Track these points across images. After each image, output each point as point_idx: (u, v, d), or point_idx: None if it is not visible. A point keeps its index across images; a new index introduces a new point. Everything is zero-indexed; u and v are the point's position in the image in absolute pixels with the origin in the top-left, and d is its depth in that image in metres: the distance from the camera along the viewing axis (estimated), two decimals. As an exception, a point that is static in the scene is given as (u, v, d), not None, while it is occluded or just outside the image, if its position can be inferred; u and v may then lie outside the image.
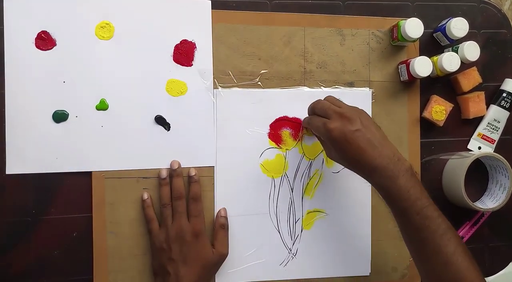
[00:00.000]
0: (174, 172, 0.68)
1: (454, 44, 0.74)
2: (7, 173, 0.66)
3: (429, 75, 0.72)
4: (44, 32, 0.66)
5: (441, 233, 0.55)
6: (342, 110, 0.59)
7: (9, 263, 0.66)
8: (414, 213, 0.56)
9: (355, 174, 0.59)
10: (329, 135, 0.58)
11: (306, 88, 0.73)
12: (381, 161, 0.56)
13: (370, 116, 0.61)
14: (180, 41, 0.69)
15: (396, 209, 0.58)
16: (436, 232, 0.55)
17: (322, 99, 0.65)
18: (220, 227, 0.69)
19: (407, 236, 0.59)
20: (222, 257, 0.68)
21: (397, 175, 0.56)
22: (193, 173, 0.68)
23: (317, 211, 0.73)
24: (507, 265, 0.80)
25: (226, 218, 0.70)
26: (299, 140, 0.72)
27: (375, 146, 0.57)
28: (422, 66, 0.69)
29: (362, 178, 0.60)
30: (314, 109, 0.64)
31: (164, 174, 0.68)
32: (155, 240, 0.66)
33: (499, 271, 0.80)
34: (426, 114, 0.74)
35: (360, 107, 0.62)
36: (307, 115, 0.67)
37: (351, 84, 0.74)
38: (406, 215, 0.56)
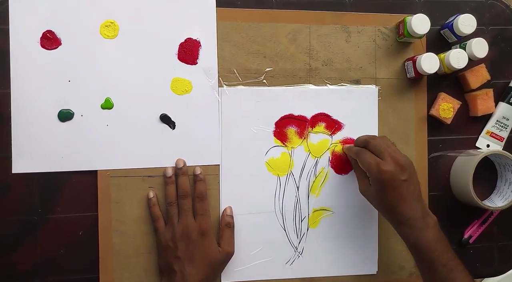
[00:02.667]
0: (179, 171, 0.68)
1: (461, 41, 0.73)
2: (13, 172, 0.66)
3: (436, 73, 0.71)
4: (49, 31, 0.66)
5: None
6: (397, 156, 0.61)
7: (16, 261, 0.66)
8: (441, 265, 0.58)
9: None
10: (379, 176, 0.60)
11: (311, 86, 0.72)
12: (414, 213, 0.60)
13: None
14: (185, 40, 0.69)
15: (423, 261, 0.60)
16: None
17: (377, 136, 0.68)
18: (226, 225, 0.69)
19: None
20: (228, 255, 0.68)
21: (426, 227, 0.60)
22: (198, 171, 0.68)
23: (323, 209, 0.72)
24: (517, 264, 0.80)
25: (231, 216, 0.70)
26: (304, 138, 0.72)
27: (413, 199, 0.60)
28: (429, 62, 0.69)
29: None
30: (368, 144, 0.64)
31: (169, 172, 0.68)
32: (161, 238, 0.66)
33: (508, 270, 0.79)
34: (433, 112, 0.73)
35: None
36: (351, 145, 0.70)
37: (357, 82, 0.73)
38: (433, 266, 0.59)
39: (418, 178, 0.62)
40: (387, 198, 0.61)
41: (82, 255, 0.68)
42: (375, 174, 0.60)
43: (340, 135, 0.73)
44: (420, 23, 0.69)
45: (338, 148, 0.73)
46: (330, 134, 0.73)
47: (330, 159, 0.73)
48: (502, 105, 0.76)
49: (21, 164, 0.66)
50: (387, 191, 0.60)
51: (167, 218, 0.67)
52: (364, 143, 0.66)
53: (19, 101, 0.66)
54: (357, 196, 0.72)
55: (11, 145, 0.66)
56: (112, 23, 0.68)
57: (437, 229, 0.60)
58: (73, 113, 0.67)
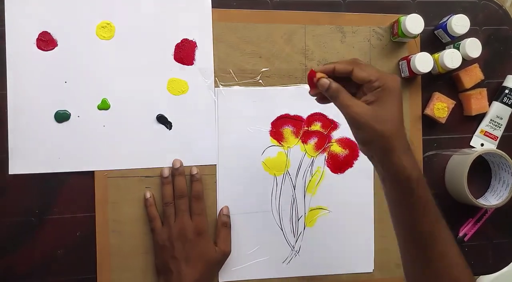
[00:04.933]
0: (176, 171, 0.68)
1: (455, 41, 0.74)
2: (10, 173, 0.66)
3: (430, 72, 0.72)
4: (45, 32, 0.66)
5: (440, 219, 0.54)
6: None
7: (14, 262, 0.66)
8: (422, 187, 0.52)
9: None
10: (395, 84, 0.52)
11: (307, 86, 0.72)
12: (400, 141, 0.52)
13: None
14: (181, 40, 0.70)
15: (419, 198, 0.53)
16: (436, 207, 0.54)
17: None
18: (223, 225, 0.69)
19: (409, 218, 0.54)
20: (225, 255, 0.68)
21: (411, 159, 0.52)
22: (195, 171, 0.68)
23: (319, 208, 0.73)
24: (511, 262, 0.80)
25: (228, 216, 0.70)
26: (300, 138, 0.72)
27: (402, 128, 0.53)
28: (423, 62, 0.69)
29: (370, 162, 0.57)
30: (357, 64, 0.54)
31: (166, 172, 0.68)
32: (158, 238, 0.66)
33: (502, 268, 0.79)
34: (428, 111, 0.74)
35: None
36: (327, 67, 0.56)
37: (352, 82, 0.74)
38: (428, 205, 0.53)
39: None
40: (397, 111, 0.52)
41: (79, 255, 0.68)
42: (395, 82, 0.52)
43: (336, 135, 0.73)
44: (414, 23, 0.69)
45: (334, 148, 0.73)
46: (326, 134, 0.73)
47: (326, 158, 0.73)
48: (496, 104, 0.77)
49: (18, 165, 0.66)
50: (398, 102, 0.52)
51: (164, 218, 0.67)
52: (352, 64, 0.54)
53: (16, 103, 0.66)
54: (354, 194, 0.73)
55: (7, 146, 0.66)
56: (108, 24, 0.68)
57: (413, 157, 0.54)
58: (70, 114, 0.67)
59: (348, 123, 0.54)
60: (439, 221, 0.54)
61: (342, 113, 0.54)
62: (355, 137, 0.55)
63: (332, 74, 0.54)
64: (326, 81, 0.53)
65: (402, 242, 0.57)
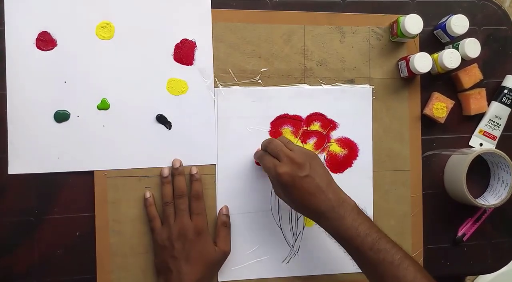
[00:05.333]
0: (176, 171, 0.68)
1: (454, 41, 0.74)
2: (9, 173, 0.66)
3: (430, 72, 0.72)
4: (44, 32, 0.66)
5: (397, 264, 0.56)
6: (293, 155, 0.60)
7: (13, 262, 0.66)
8: (367, 249, 0.57)
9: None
10: (278, 179, 0.59)
11: (306, 86, 0.73)
12: (327, 204, 0.59)
13: (321, 160, 0.63)
14: (181, 41, 0.70)
15: (349, 248, 0.59)
16: (392, 263, 0.56)
17: (275, 138, 0.65)
18: (222, 225, 0.69)
19: (366, 272, 0.60)
20: (225, 254, 0.68)
21: (343, 215, 0.58)
22: (194, 171, 0.68)
23: (318, 208, 0.73)
24: (510, 261, 0.80)
25: (228, 216, 0.70)
26: (300, 137, 0.73)
27: (322, 191, 0.59)
28: (422, 62, 0.70)
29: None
30: (266, 148, 0.64)
31: (166, 172, 0.68)
32: (158, 238, 0.66)
33: (501, 268, 0.80)
34: (427, 111, 0.74)
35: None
36: (258, 149, 0.69)
37: (351, 82, 0.74)
38: (360, 252, 0.58)
39: (324, 166, 0.62)
40: (295, 199, 0.60)
41: (79, 255, 0.68)
42: (275, 177, 0.60)
43: (335, 135, 0.73)
44: (413, 23, 0.69)
45: (333, 147, 0.73)
46: (325, 134, 0.73)
47: (326, 158, 0.73)
48: (495, 104, 0.77)
49: (17, 165, 0.66)
50: (292, 192, 0.59)
51: (164, 218, 0.67)
52: (264, 147, 0.65)
53: (15, 102, 0.66)
54: (353, 195, 0.73)
55: (7, 145, 0.66)
56: (108, 24, 0.68)
57: (356, 214, 0.59)
58: (69, 114, 0.67)
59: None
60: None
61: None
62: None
63: None
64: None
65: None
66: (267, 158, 0.62)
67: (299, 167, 0.59)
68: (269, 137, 0.71)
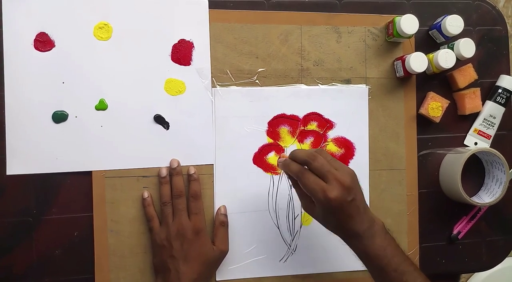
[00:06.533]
0: (173, 171, 0.68)
1: (449, 41, 0.75)
2: (7, 173, 0.66)
3: (425, 72, 0.72)
4: (42, 33, 0.66)
5: None
6: (341, 178, 0.56)
7: (12, 263, 0.66)
8: (392, 270, 0.57)
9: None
10: (327, 204, 0.56)
11: (303, 86, 0.73)
12: (361, 226, 0.58)
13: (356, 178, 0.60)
14: (178, 41, 0.70)
15: (374, 268, 0.59)
16: None
17: (318, 153, 0.59)
18: (220, 224, 0.69)
19: None
20: (222, 253, 0.69)
21: (373, 236, 0.58)
22: (192, 171, 0.69)
23: (315, 208, 0.73)
24: (504, 259, 0.81)
25: (226, 215, 0.70)
26: (297, 137, 0.73)
27: (360, 213, 0.58)
28: (417, 62, 0.70)
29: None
30: (310, 165, 0.58)
31: (164, 172, 0.68)
32: (156, 238, 0.67)
33: (496, 265, 0.80)
34: (422, 111, 0.75)
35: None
36: (286, 159, 0.62)
37: (347, 81, 0.74)
38: (384, 272, 0.58)
39: (360, 186, 0.59)
40: (336, 220, 0.58)
41: (77, 255, 0.68)
42: (322, 201, 0.56)
43: (332, 134, 0.74)
44: (409, 23, 0.70)
45: (330, 147, 0.74)
46: (322, 133, 0.74)
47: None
48: (489, 104, 0.78)
49: (15, 166, 0.66)
50: (335, 214, 0.57)
51: (162, 218, 0.68)
52: (304, 162, 0.59)
53: (13, 103, 0.66)
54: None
55: (5, 146, 0.66)
56: (106, 25, 0.68)
57: (384, 234, 0.59)
58: (67, 114, 0.67)
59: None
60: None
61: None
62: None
63: None
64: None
65: None
66: (312, 177, 0.57)
67: (348, 191, 0.56)
68: (301, 148, 0.71)
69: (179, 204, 0.67)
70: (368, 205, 0.74)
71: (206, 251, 0.66)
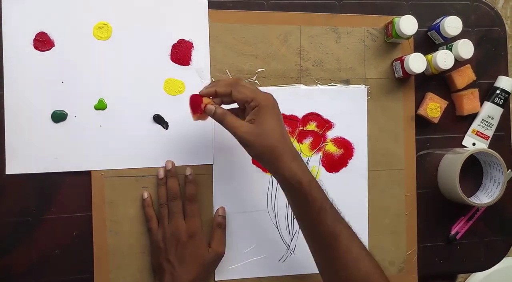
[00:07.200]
0: (168, 173, 0.68)
1: (448, 42, 0.75)
2: (7, 173, 0.66)
3: (423, 73, 0.72)
4: (42, 33, 0.66)
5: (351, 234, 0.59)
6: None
7: (11, 262, 0.66)
8: (315, 190, 0.58)
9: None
10: (268, 101, 0.58)
11: (302, 86, 0.73)
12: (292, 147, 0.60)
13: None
14: (178, 41, 0.70)
15: (296, 186, 0.57)
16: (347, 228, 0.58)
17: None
18: (217, 226, 0.69)
19: (308, 219, 0.59)
20: (218, 256, 0.68)
21: (297, 155, 0.59)
22: (188, 172, 0.68)
23: (314, 208, 0.73)
24: (502, 259, 0.81)
25: (223, 217, 0.70)
26: (296, 137, 0.73)
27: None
28: (416, 62, 0.70)
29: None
30: (237, 85, 0.59)
31: (161, 174, 0.68)
32: (153, 239, 0.67)
33: (494, 266, 0.81)
34: (421, 111, 0.75)
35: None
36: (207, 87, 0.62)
37: (347, 82, 0.75)
38: (306, 191, 0.57)
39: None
40: (275, 125, 0.58)
41: (76, 255, 0.68)
42: (261, 99, 0.57)
43: (331, 134, 0.74)
44: (408, 24, 0.70)
45: (329, 147, 0.74)
46: (321, 134, 0.74)
47: (321, 157, 0.74)
48: (487, 104, 0.78)
49: (14, 165, 0.66)
50: (275, 117, 0.58)
51: (159, 219, 0.68)
52: (231, 86, 0.59)
53: (13, 103, 0.66)
54: (348, 193, 0.74)
55: (4, 146, 0.66)
56: (105, 24, 0.68)
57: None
58: (67, 114, 0.67)
59: (239, 142, 0.59)
60: (338, 220, 0.58)
61: (231, 133, 0.59)
62: (248, 153, 0.60)
63: (215, 96, 0.61)
64: (211, 107, 0.60)
65: (309, 242, 0.61)
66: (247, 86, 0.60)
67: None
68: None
69: (174, 206, 0.67)
70: (367, 205, 0.75)
71: (201, 253, 0.66)
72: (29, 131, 0.66)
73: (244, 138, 0.58)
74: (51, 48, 0.67)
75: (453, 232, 0.78)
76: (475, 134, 0.78)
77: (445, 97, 0.76)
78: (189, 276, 0.64)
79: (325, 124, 0.74)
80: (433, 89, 0.77)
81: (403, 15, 0.71)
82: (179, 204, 0.67)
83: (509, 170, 0.77)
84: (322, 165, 0.74)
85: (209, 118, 0.61)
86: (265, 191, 0.72)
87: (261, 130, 0.57)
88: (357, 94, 0.75)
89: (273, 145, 0.57)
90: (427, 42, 0.77)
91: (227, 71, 0.71)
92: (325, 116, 0.74)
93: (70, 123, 0.67)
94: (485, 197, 0.75)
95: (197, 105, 0.61)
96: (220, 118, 0.60)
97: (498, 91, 0.78)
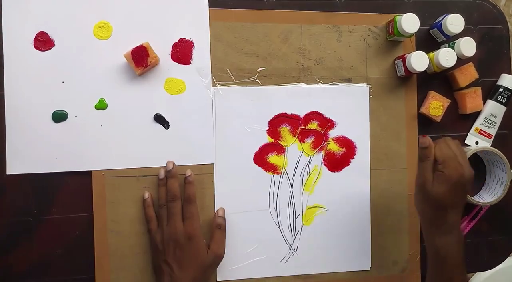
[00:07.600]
0: (168, 173, 0.67)
1: (450, 40, 0.75)
2: (7, 173, 0.66)
3: (426, 71, 0.72)
4: (42, 32, 0.66)
5: None
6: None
7: (12, 263, 0.66)
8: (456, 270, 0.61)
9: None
10: (455, 175, 0.59)
11: (304, 85, 0.73)
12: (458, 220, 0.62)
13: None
14: (178, 40, 0.70)
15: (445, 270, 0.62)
16: None
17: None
18: (217, 227, 0.69)
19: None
20: (218, 257, 0.68)
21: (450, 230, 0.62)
22: (188, 173, 0.68)
23: (317, 207, 0.73)
24: (506, 259, 0.81)
25: (223, 218, 0.70)
26: (297, 136, 0.73)
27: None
28: (418, 60, 0.70)
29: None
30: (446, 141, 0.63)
31: (162, 174, 0.68)
32: (153, 240, 0.67)
33: (497, 265, 0.80)
34: (423, 110, 0.75)
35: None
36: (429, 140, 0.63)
37: (348, 80, 0.74)
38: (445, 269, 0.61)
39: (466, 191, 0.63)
40: (455, 196, 0.60)
41: (77, 255, 0.68)
42: (456, 170, 0.59)
43: (333, 133, 0.74)
44: (409, 22, 0.70)
45: (331, 146, 0.74)
46: (323, 133, 0.73)
47: (323, 156, 0.73)
48: (490, 103, 0.78)
49: (15, 165, 0.66)
50: (459, 190, 0.60)
51: (159, 220, 0.67)
52: (437, 142, 0.63)
53: (13, 103, 0.66)
54: (351, 193, 0.74)
55: (5, 146, 0.66)
56: (106, 24, 0.68)
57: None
58: (67, 114, 0.67)
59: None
60: None
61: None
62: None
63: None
64: (427, 140, 0.62)
65: None
66: (452, 143, 0.63)
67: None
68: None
69: (172, 207, 0.66)
70: (370, 205, 0.74)
71: (199, 256, 0.65)
72: (29, 131, 0.66)
73: (417, 185, 0.63)
74: (51, 48, 0.67)
75: (456, 231, 0.77)
76: (478, 133, 0.78)
77: (447, 96, 0.76)
78: (188, 278, 0.64)
79: (327, 123, 0.74)
80: (435, 88, 0.76)
81: (405, 13, 0.71)
82: (178, 205, 0.67)
83: (513, 168, 0.77)
84: (324, 164, 0.73)
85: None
86: (267, 190, 0.72)
87: (429, 193, 0.61)
88: (359, 93, 0.74)
89: (426, 211, 0.63)
90: (429, 40, 0.77)
91: (228, 70, 0.71)
92: (327, 115, 0.74)
93: (71, 123, 0.67)
94: (488, 196, 0.75)
95: (142, 58, 0.59)
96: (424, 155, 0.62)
97: (501, 89, 0.77)
